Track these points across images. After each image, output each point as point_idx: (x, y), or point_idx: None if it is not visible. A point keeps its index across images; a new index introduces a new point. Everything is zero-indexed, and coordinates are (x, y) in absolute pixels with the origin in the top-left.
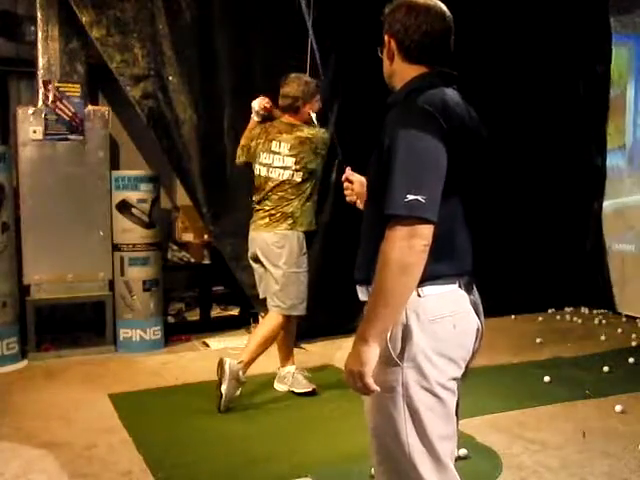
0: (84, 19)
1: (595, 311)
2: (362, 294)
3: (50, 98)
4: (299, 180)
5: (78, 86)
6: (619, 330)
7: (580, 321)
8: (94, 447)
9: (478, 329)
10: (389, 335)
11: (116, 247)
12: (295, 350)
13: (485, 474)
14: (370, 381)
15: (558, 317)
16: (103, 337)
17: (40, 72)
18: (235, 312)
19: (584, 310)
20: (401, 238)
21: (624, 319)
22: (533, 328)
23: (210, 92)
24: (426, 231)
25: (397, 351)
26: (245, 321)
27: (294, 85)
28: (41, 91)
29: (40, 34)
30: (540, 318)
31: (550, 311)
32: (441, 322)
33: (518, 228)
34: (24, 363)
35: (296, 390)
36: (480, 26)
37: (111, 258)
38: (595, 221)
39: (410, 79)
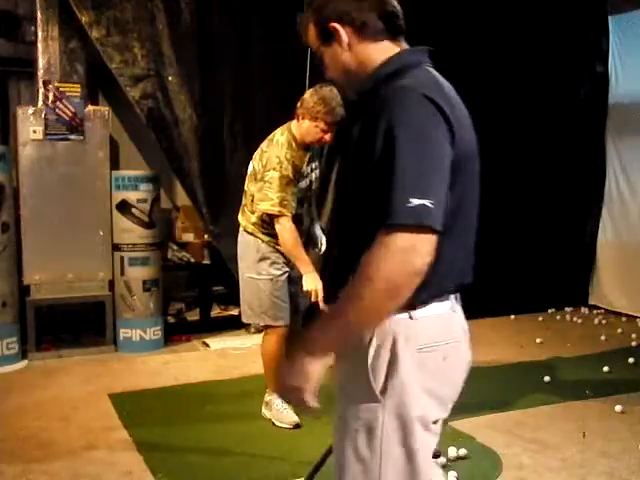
0: (84, 19)
1: (595, 311)
2: None
3: (50, 98)
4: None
5: (78, 86)
6: (619, 330)
7: (580, 321)
8: (94, 447)
9: (468, 362)
10: (370, 363)
11: (116, 247)
12: None
13: (485, 474)
14: (311, 400)
15: (558, 317)
16: (103, 337)
17: (40, 72)
18: (235, 312)
19: (584, 310)
20: (399, 252)
21: (624, 319)
22: (533, 328)
23: (210, 92)
24: (431, 245)
25: (380, 384)
26: None
27: (309, 92)
28: (41, 91)
29: (40, 34)
30: (540, 318)
31: (550, 311)
32: (430, 352)
33: (518, 228)
34: (24, 363)
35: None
36: (479, 27)
37: (111, 258)
38: (595, 221)
39: (385, 60)
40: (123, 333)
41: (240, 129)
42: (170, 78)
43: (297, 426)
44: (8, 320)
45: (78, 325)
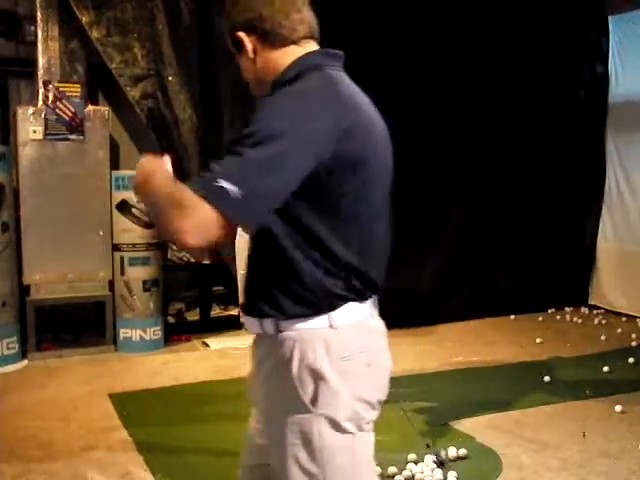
0: (84, 19)
1: (595, 311)
2: (254, 326)
3: (50, 98)
4: None
5: (78, 86)
6: (619, 330)
7: (580, 321)
8: (94, 447)
9: (390, 368)
10: (295, 375)
11: (116, 247)
12: None
13: (485, 474)
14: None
15: (558, 317)
16: (103, 337)
17: (40, 72)
18: (235, 312)
19: (584, 310)
20: (184, 209)
21: (624, 319)
22: (533, 328)
23: (210, 92)
24: (204, 224)
25: (309, 395)
26: None
27: None
28: (41, 91)
29: (40, 34)
30: (540, 318)
31: (550, 311)
32: (354, 360)
33: (518, 228)
34: (24, 363)
35: None
36: (479, 28)
37: (111, 258)
38: (595, 221)
39: (288, 65)
40: (123, 333)
41: (240, 129)
42: (170, 78)
43: None
44: (8, 320)
45: (78, 325)
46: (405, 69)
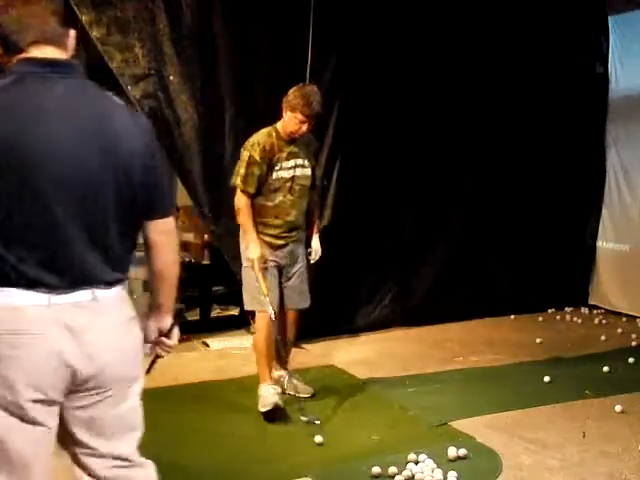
0: (84, 19)
1: (595, 311)
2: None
3: None
4: None
5: None
6: (619, 330)
7: (580, 321)
8: None
9: (64, 356)
10: None
11: None
12: (295, 351)
13: (485, 474)
14: None
15: (558, 317)
16: None
17: None
18: (235, 312)
19: (584, 310)
20: None
21: (624, 319)
22: (533, 328)
23: (211, 92)
24: None
25: None
26: (245, 321)
27: (293, 88)
28: None
29: None
30: (540, 318)
31: (550, 311)
32: None
33: (519, 228)
34: None
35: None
36: (479, 28)
37: None
38: (595, 221)
39: None
40: None
41: (242, 129)
42: (171, 77)
43: (276, 408)
44: None
45: None
46: (407, 70)
